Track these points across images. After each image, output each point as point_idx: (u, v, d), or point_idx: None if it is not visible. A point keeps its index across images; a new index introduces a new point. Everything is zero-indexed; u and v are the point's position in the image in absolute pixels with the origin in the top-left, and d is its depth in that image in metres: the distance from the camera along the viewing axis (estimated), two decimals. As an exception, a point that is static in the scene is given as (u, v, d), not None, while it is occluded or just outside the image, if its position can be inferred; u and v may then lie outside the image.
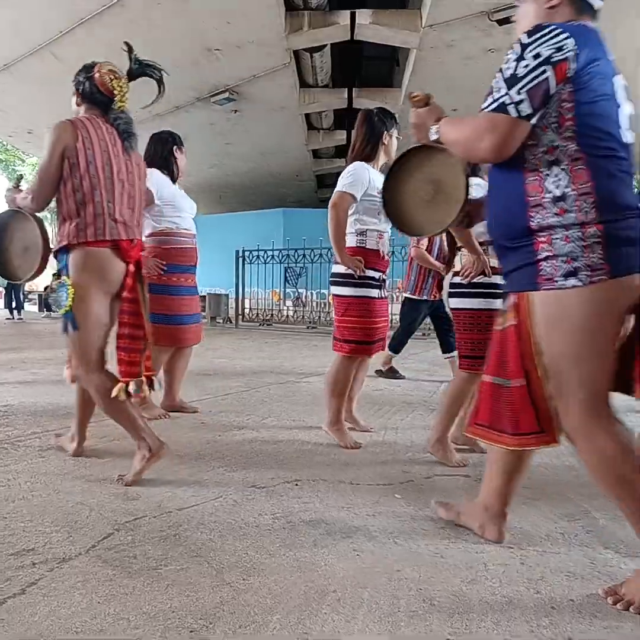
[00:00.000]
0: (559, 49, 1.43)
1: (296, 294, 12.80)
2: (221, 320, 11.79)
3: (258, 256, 11.20)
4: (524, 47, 1.47)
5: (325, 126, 12.39)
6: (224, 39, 8.02)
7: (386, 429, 3.28)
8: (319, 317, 10.65)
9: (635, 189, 1.54)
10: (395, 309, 6.28)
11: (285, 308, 12.14)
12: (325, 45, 8.70)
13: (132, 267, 2.35)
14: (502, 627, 1.37)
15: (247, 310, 11.78)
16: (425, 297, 5.04)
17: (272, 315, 11.75)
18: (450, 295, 2.80)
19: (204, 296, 11.77)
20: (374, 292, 2.87)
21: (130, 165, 2.41)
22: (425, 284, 4.99)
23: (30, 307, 17.22)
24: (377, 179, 2.85)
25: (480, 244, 2.63)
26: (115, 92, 2.33)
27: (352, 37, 7.99)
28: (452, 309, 2.79)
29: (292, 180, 16.20)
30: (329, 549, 1.75)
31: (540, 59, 1.43)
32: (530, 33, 1.48)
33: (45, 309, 13.81)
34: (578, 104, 1.45)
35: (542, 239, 1.50)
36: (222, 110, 10.67)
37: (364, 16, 7.62)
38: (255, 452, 2.77)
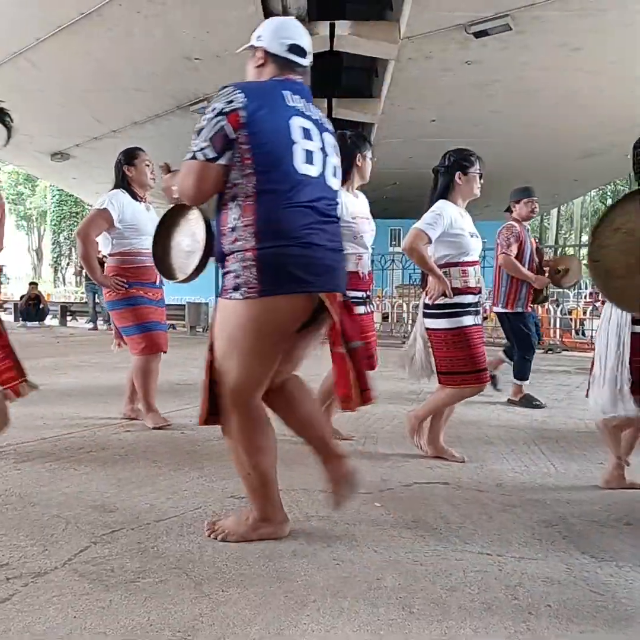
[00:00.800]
0: (229, 102, 1.69)
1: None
2: (201, 330, 11.71)
3: (238, 265, 11.16)
4: (211, 104, 1.73)
5: (305, 136, 12.44)
6: (203, 48, 8.02)
7: (366, 438, 3.29)
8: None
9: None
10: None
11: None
12: (304, 56, 8.75)
13: None
14: (480, 634, 1.38)
15: (227, 319, 11.73)
16: (519, 310, 4.42)
17: (252, 324, 11.71)
18: (424, 316, 2.93)
19: (183, 305, 11.68)
20: (360, 309, 2.98)
21: None
22: (519, 294, 4.40)
23: (6, 317, 16.92)
24: (350, 203, 2.98)
25: (440, 266, 2.81)
26: None
27: (331, 48, 8.06)
28: (426, 329, 2.92)
29: (272, 189, 16.20)
30: (309, 558, 1.75)
31: (216, 112, 1.69)
32: (217, 93, 1.75)
33: (20, 319, 13.58)
34: (253, 146, 1.69)
35: (228, 259, 1.76)
36: (201, 119, 10.67)
37: (343, 27, 7.69)
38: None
